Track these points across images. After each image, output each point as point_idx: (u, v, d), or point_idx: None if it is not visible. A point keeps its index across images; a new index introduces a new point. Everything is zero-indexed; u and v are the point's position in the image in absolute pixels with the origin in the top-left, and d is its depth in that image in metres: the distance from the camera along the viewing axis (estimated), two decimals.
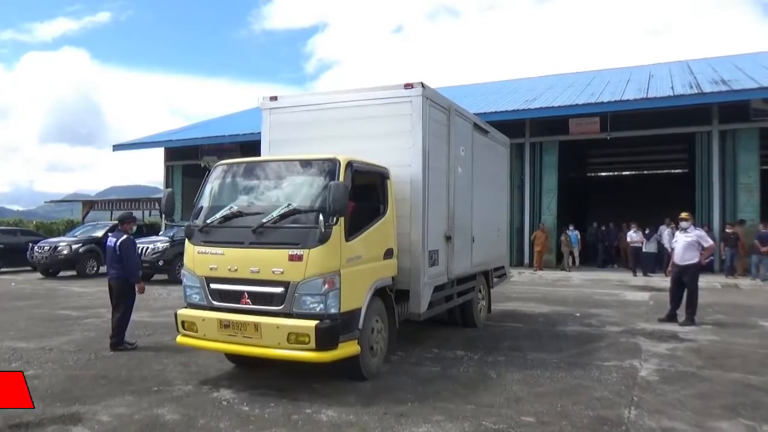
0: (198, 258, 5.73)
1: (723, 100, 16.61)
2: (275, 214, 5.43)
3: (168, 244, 15.62)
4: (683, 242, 9.27)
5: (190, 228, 5.91)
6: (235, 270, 5.49)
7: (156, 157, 27.07)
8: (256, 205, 5.81)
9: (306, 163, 5.85)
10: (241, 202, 5.91)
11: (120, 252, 7.21)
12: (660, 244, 16.51)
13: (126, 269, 7.29)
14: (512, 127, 17.18)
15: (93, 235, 18.23)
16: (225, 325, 5.45)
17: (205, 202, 6.05)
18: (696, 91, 16.85)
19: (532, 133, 19.37)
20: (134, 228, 7.86)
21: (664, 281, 13.68)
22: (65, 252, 17.03)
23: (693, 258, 9.16)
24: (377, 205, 6.12)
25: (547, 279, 16.09)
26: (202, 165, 25.05)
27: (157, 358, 6.84)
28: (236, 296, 5.51)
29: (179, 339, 5.94)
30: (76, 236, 18.53)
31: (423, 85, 6.46)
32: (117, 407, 5.07)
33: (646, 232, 17.30)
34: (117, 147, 26.77)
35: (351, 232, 5.52)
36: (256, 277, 5.41)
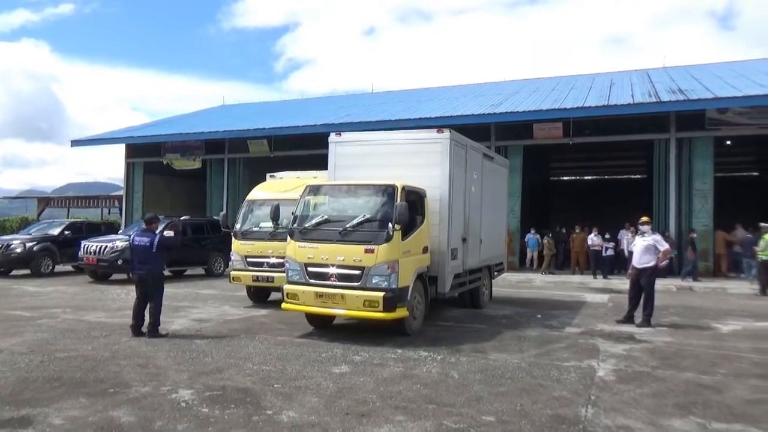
0: (299, 250, 8.09)
1: (680, 108, 17.18)
2: (355, 222, 7.84)
3: (127, 243, 15.19)
4: (641, 246, 9.59)
5: (292, 230, 8.27)
6: (326, 258, 7.85)
7: (117, 153, 26.44)
8: (339, 215, 8.16)
9: (373, 187, 8.19)
10: (328, 211, 8.33)
11: (158, 248, 8.18)
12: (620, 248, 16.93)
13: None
14: (478, 130, 17.37)
15: (49, 233, 17.58)
16: (319, 295, 7.82)
17: (300, 211, 8.43)
18: (654, 100, 17.34)
19: (497, 137, 19.61)
20: (158, 227, 8.84)
21: (622, 284, 14.03)
22: (19, 250, 16.38)
23: (650, 261, 9.45)
24: (417, 216, 8.28)
25: (510, 281, 16.29)
26: (165, 162, 24.50)
27: (114, 360, 6.66)
28: (326, 276, 7.87)
29: (284, 305, 8.20)
30: (30, 234, 17.86)
31: (450, 131, 8.87)
32: (70, 410, 4.91)
33: (607, 236, 17.71)
34: (75, 143, 25.93)
35: (404, 235, 7.79)
36: (342, 263, 7.76)
